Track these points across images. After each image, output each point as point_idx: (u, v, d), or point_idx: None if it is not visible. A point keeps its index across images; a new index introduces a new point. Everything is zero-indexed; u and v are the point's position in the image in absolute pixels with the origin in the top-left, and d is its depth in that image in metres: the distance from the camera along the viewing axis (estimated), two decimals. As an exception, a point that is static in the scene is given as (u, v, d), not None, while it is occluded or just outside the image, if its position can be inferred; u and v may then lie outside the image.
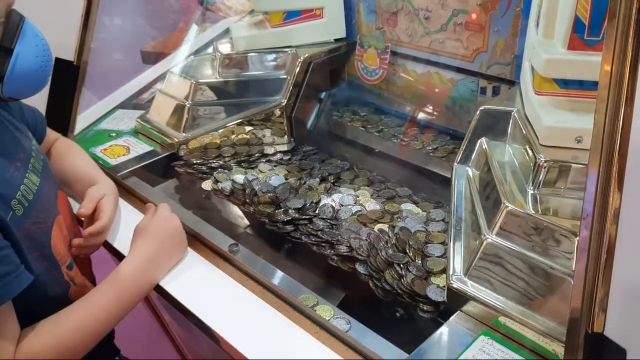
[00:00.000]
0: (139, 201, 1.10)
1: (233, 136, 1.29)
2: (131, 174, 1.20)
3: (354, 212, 1.04)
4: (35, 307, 0.80)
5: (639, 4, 0.47)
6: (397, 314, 0.92)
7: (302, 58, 1.30)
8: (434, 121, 1.28)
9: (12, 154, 0.85)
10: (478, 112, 0.97)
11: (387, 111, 1.38)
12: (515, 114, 0.93)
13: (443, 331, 0.78)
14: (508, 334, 0.75)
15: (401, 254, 0.91)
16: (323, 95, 1.44)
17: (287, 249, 1.07)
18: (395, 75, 1.31)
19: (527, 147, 0.84)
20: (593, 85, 0.77)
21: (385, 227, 0.99)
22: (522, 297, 0.75)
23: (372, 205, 1.06)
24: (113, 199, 1.02)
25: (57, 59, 1.20)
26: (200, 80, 1.30)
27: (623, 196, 0.51)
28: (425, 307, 0.84)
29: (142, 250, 0.92)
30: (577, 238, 0.68)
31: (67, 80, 1.25)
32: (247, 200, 1.10)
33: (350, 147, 1.33)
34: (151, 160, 1.24)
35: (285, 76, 1.31)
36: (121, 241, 0.99)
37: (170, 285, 0.91)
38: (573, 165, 0.76)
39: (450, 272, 0.81)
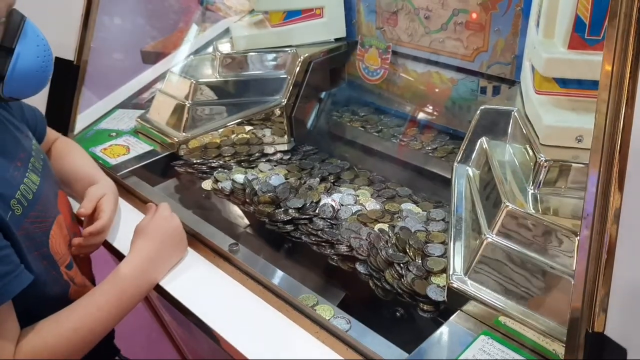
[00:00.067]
0: (139, 201, 1.10)
1: (233, 136, 1.29)
2: (131, 174, 1.20)
3: (354, 211, 1.04)
4: (35, 306, 0.80)
5: (640, 3, 0.47)
6: (397, 314, 0.92)
7: (302, 58, 1.30)
8: (434, 121, 1.28)
9: (12, 154, 0.85)
10: (478, 111, 0.96)
11: (387, 111, 1.38)
12: (515, 114, 0.93)
13: (443, 331, 0.78)
14: (508, 334, 0.75)
15: (401, 254, 0.91)
16: (323, 95, 1.44)
17: (287, 248, 1.07)
18: (396, 74, 1.31)
19: (528, 146, 0.84)
20: (593, 84, 0.77)
21: (385, 226, 0.99)
22: (523, 296, 0.75)
23: (372, 204, 1.06)
24: (113, 199, 1.02)
25: (57, 59, 1.20)
26: (200, 80, 1.30)
27: (624, 196, 0.51)
28: (425, 307, 0.84)
29: (142, 250, 0.91)
30: (578, 238, 0.68)
31: (67, 79, 1.25)
32: (247, 200, 1.10)
33: (350, 147, 1.33)
34: (151, 160, 1.24)
35: (285, 76, 1.31)
36: (121, 241, 0.99)
37: (170, 285, 0.91)
38: (573, 164, 0.76)
39: (451, 272, 0.81)
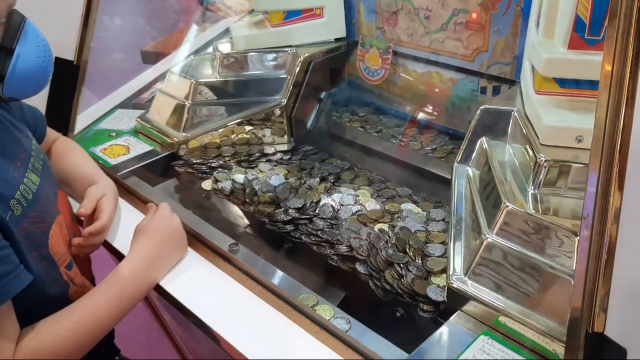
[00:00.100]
0: (139, 201, 1.10)
1: (233, 136, 1.29)
2: (131, 174, 1.20)
3: (354, 211, 1.04)
4: (34, 306, 0.80)
5: (640, 3, 0.47)
6: (397, 314, 0.92)
7: (302, 58, 1.30)
8: (434, 121, 1.28)
9: (12, 154, 0.85)
10: (478, 111, 0.96)
11: (387, 111, 1.38)
12: (515, 114, 0.93)
13: (443, 331, 0.78)
14: (508, 334, 0.75)
15: (401, 254, 0.91)
16: (323, 95, 1.44)
17: (287, 248, 1.07)
18: (396, 74, 1.31)
19: (528, 146, 0.84)
20: (593, 84, 0.77)
21: (385, 226, 0.99)
22: (523, 296, 0.75)
23: (372, 205, 1.06)
24: (113, 199, 1.02)
25: (57, 59, 1.20)
26: (200, 80, 1.30)
27: (624, 196, 0.51)
28: (425, 307, 0.84)
29: (142, 250, 0.91)
30: (578, 238, 0.68)
31: (67, 79, 1.25)
32: (247, 200, 1.10)
33: (350, 147, 1.33)
34: (151, 160, 1.24)
35: (285, 76, 1.31)
36: (121, 241, 0.99)
37: (170, 285, 0.91)
38: (573, 164, 0.76)
39: (451, 272, 0.81)
